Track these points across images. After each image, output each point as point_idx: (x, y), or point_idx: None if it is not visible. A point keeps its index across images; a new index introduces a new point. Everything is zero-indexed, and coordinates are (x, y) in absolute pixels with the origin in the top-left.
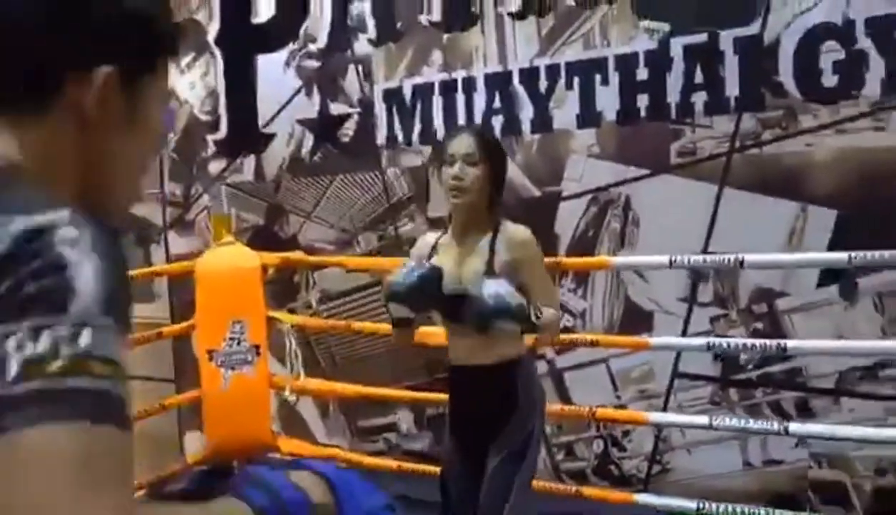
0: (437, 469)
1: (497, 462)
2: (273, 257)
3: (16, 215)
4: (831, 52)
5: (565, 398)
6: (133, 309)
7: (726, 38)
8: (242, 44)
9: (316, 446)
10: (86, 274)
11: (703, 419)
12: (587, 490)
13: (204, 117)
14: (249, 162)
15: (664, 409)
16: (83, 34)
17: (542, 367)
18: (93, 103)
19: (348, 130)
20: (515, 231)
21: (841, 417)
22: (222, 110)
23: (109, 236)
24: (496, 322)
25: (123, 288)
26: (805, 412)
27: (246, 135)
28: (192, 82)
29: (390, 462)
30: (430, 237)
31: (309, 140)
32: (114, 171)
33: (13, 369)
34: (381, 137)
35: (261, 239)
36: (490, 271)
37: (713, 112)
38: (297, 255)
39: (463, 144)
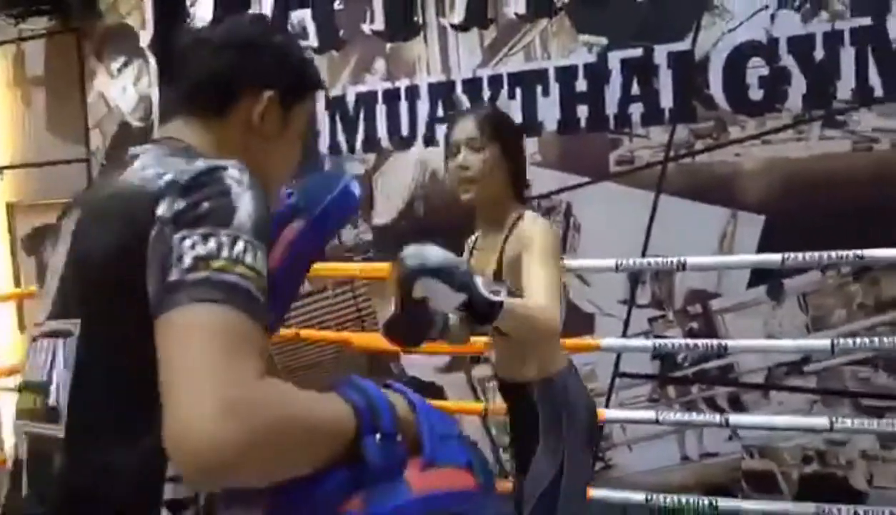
0: None
1: (532, 506)
2: None
3: (197, 159)
4: (757, 68)
5: None
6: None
7: (660, 52)
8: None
9: None
10: (245, 202)
11: (649, 414)
12: None
13: (136, 124)
14: None
15: (606, 407)
16: (263, 64)
17: (487, 370)
18: (258, 115)
19: None
20: (526, 222)
21: (770, 409)
22: (156, 117)
23: (260, 187)
24: (419, 284)
25: (266, 220)
26: (737, 406)
27: None
28: (124, 87)
29: None
30: (470, 239)
31: None
32: (266, 164)
33: (187, 261)
34: (323, 144)
35: None
36: (499, 274)
37: (649, 123)
38: None
39: (464, 128)
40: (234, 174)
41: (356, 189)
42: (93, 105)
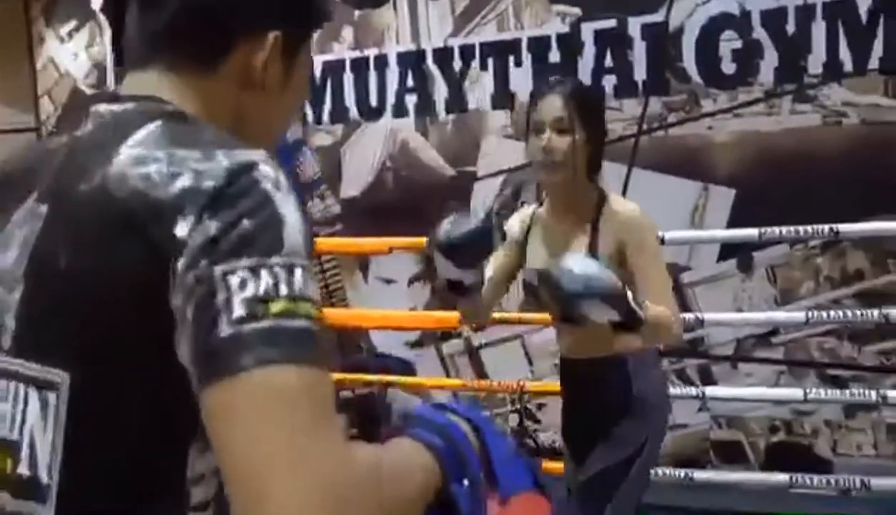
0: None
1: (591, 477)
2: None
3: (215, 149)
4: (730, 41)
5: (482, 374)
6: None
7: (634, 24)
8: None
9: None
10: (290, 213)
11: None
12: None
13: (90, 91)
14: None
15: None
16: (260, 2)
17: (457, 346)
18: (260, 65)
19: None
20: (622, 208)
21: (739, 381)
22: (111, 84)
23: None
24: (581, 306)
25: (310, 226)
26: (707, 378)
27: None
28: (76, 53)
29: None
30: (525, 212)
31: None
32: (262, 124)
33: (238, 308)
34: None
35: None
36: (593, 256)
37: (622, 95)
38: None
39: (552, 107)
40: (269, 173)
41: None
42: (42, 72)
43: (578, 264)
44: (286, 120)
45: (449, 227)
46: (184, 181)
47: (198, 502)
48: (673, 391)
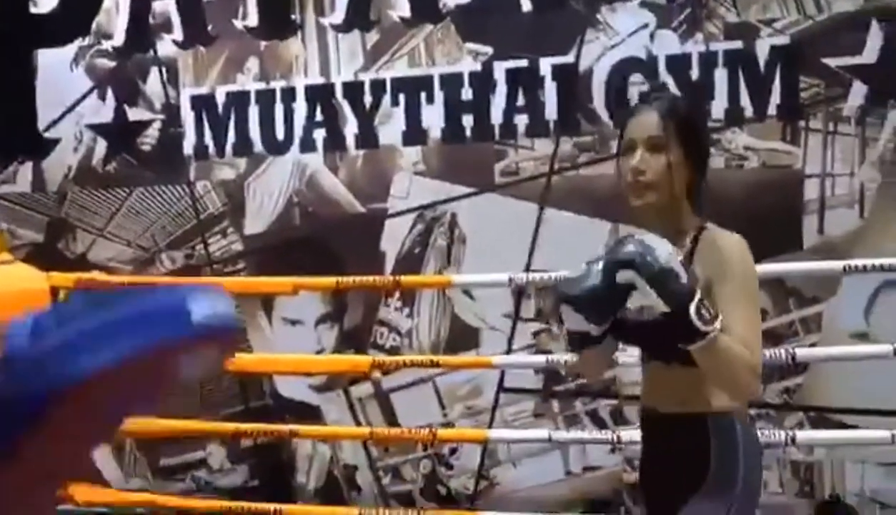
0: (254, 506)
1: None
2: (64, 278)
3: None
4: (637, 84)
5: (392, 419)
6: None
7: (545, 64)
8: (18, 35)
9: (113, 491)
10: None
11: (542, 433)
12: (429, 513)
13: None
14: (26, 170)
15: (490, 424)
16: None
17: (367, 389)
18: None
19: (149, 138)
20: (718, 238)
21: None
22: None
23: None
24: (620, 271)
25: None
26: (619, 419)
27: (22, 139)
28: None
29: (201, 503)
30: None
31: (102, 148)
32: None
33: None
34: (188, 146)
35: (40, 258)
36: None
37: (534, 134)
38: (95, 275)
39: (645, 123)
40: None
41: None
42: None
43: (652, 238)
44: None
45: (577, 279)
46: None
47: None
48: (586, 434)
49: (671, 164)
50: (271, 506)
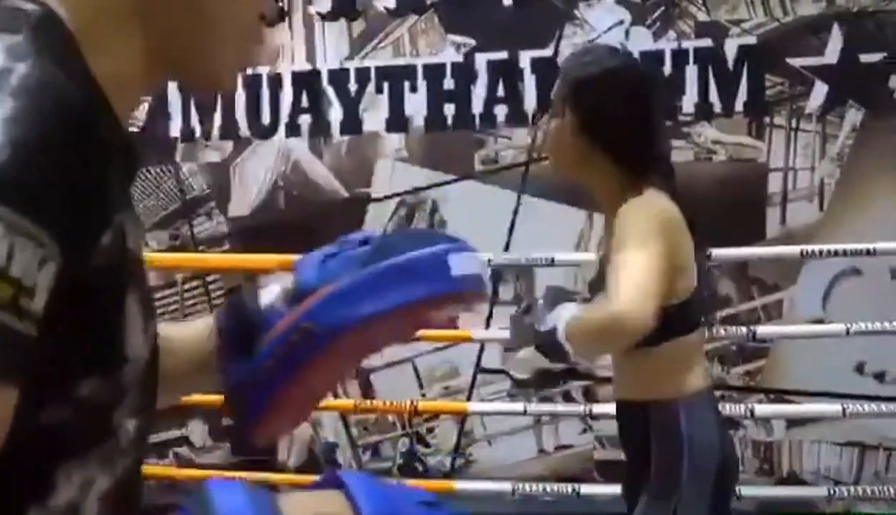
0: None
1: None
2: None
3: None
4: None
5: (371, 398)
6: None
7: (525, 57)
8: None
9: None
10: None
11: (518, 406)
12: (408, 482)
13: None
14: None
15: (468, 401)
16: None
17: None
18: None
19: (136, 120)
20: (623, 211)
21: None
22: None
23: (66, 84)
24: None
25: (49, 156)
26: (591, 399)
27: None
28: None
29: (183, 472)
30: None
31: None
32: (192, 19)
33: None
34: (175, 129)
35: None
36: (601, 275)
37: (513, 124)
38: None
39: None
40: None
41: (465, 266)
42: None
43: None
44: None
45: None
46: None
47: None
48: (568, 408)
49: (563, 129)
50: (253, 475)
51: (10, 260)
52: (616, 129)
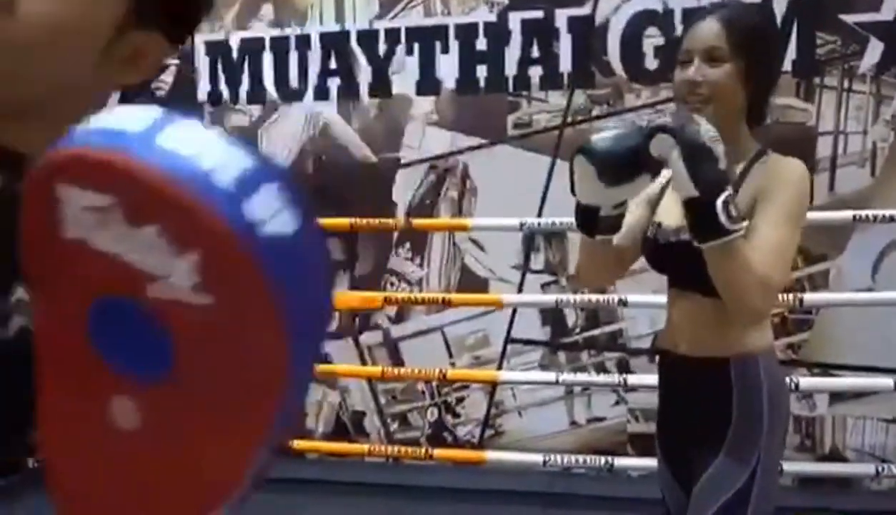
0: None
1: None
2: None
3: None
4: (653, 38)
5: (400, 367)
6: None
7: (561, 16)
8: None
9: None
10: None
11: (549, 376)
12: (437, 453)
13: None
14: None
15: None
16: None
17: (376, 337)
18: None
19: (164, 83)
20: (776, 161)
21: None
22: None
23: None
24: (659, 134)
25: None
26: (626, 371)
27: None
28: None
29: None
30: (666, 173)
31: (116, 93)
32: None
33: None
34: (202, 93)
35: None
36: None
37: (548, 86)
38: None
39: (705, 32)
40: None
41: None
42: None
43: (706, 124)
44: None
45: (605, 134)
46: None
47: None
48: (602, 379)
49: (733, 75)
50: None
51: None
52: (773, 79)
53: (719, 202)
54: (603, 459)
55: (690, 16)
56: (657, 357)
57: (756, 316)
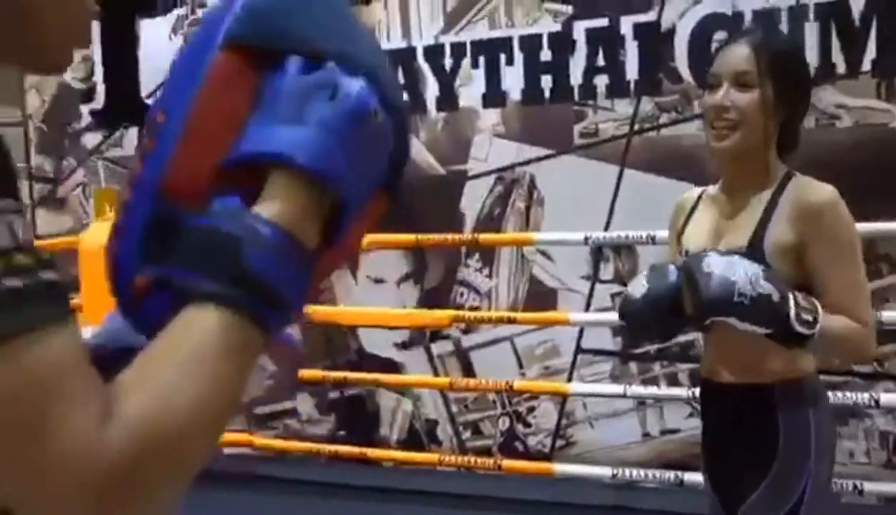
0: (342, 449)
1: None
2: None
3: None
4: (722, 42)
5: (471, 376)
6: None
7: (626, 23)
8: (121, 5)
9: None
10: None
11: (618, 389)
12: (507, 464)
13: (77, 85)
14: (131, 135)
15: (569, 383)
16: None
17: (447, 346)
18: None
19: None
20: (810, 190)
21: None
22: (98, 78)
23: None
24: (716, 316)
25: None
26: (696, 382)
27: (127, 106)
28: None
29: (294, 445)
30: (695, 192)
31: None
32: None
33: None
34: None
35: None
36: (755, 250)
37: (614, 95)
38: None
39: (734, 57)
40: None
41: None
42: None
43: (722, 263)
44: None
45: (633, 289)
46: None
47: None
48: (668, 392)
49: (761, 101)
50: (357, 450)
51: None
52: (803, 105)
53: (794, 322)
54: (673, 474)
55: (761, 18)
56: (699, 387)
57: (868, 360)
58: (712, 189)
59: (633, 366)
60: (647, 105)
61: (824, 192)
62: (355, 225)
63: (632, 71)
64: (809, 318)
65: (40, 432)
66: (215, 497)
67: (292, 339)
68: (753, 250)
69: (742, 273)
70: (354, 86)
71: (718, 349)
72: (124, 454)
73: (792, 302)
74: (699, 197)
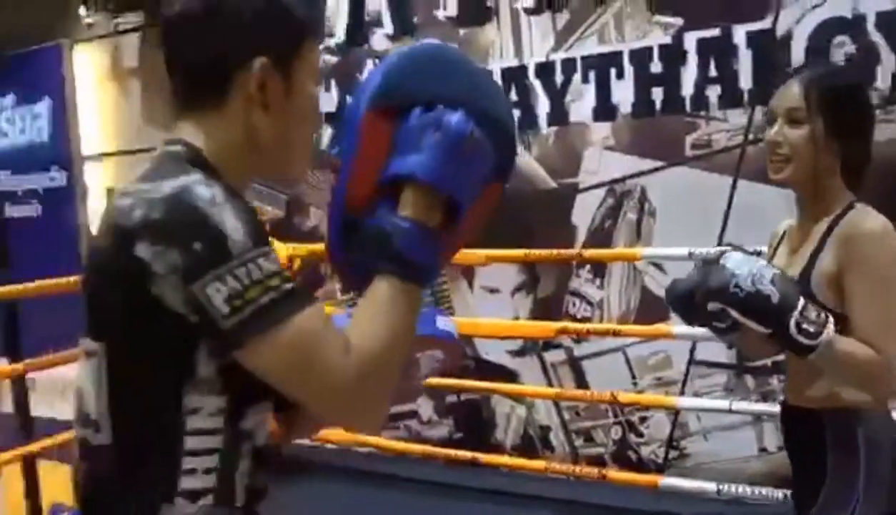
0: (454, 454)
1: None
2: (300, 249)
3: (161, 180)
4: (843, 46)
5: (583, 386)
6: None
7: (739, 32)
8: None
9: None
10: (229, 220)
11: (723, 404)
12: (611, 474)
13: None
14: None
15: (681, 395)
16: (243, 29)
17: (559, 355)
18: (254, 87)
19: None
20: (858, 219)
21: None
22: None
23: (230, 189)
24: (713, 302)
25: (253, 220)
26: None
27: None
28: None
29: (415, 447)
30: (783, 224)
31: (328, 134)
32: (279, 140)
33: (223, 308)
34: None
35: (281, 231)
36: (804, 280)
37: (727, 105)
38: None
39: (785, 95)
40: (203, 193)
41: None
42: None
43: (737, 259)
44: (303, 131)
45: (677, 290)
46: (138, 212)
47: (192, 488)
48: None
49: (811, 136)
50: (470, 454)
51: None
52: (861, 141)
53: (792, 327)
54: (780, 493)
55: (886, 21)
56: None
57: (888, 396)
58: (793, 221)
59: (748, 379)
60: (761, 114)
61: (871, 222)
62: (471, 210)
63: (745, 80)
64: (811, 329)
65: (315, 361)
66: (341, 492)
67: (452, 335)
68: (803, 281)
69: (747, 270)
70: (453, 118)
71: (789, 369)
72: (357, 369)
73: (797, 311)
74: (785, 230)
